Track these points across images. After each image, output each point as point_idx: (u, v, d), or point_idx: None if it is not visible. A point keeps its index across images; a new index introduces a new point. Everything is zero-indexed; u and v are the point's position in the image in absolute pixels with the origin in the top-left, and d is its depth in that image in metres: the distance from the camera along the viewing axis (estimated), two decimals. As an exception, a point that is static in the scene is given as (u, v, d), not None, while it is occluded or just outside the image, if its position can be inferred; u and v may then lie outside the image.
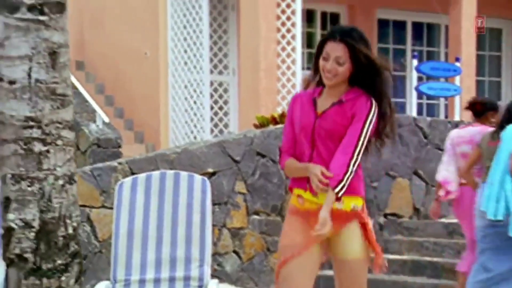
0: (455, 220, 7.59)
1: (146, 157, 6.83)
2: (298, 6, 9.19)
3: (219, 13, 10.48)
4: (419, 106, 10.34)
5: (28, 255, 2.22)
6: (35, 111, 2.20)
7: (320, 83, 3.46)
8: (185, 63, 9.57)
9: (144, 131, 10.00)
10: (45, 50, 2.19)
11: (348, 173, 3.34)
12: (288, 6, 9.18)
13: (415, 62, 9.01)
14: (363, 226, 3.41)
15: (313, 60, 3.45)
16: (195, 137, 9.35)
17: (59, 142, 2.23)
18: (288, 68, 9.23)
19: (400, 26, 11.74)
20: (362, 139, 3.33)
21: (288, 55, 9.17)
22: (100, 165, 6.56)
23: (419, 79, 9.53)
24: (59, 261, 2.23)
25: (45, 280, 2.22)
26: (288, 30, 9.13)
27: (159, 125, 9.81)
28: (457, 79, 9.24)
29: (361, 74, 3.38)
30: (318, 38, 11.34)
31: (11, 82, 2.17)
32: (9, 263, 2.26)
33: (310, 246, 3.41)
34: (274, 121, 8.01)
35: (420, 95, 9.33)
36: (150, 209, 4.59)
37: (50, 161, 2.23)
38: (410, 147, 7.88)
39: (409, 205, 7.88)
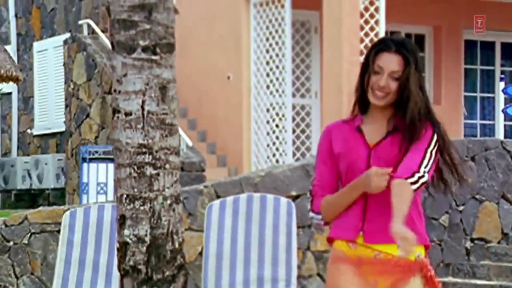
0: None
1: (231, 180, 7.18)
2: (381, 29, 9.39)
3: (302, 36, 10.81)
4: (507, 128, 10.42)
5: (141, 267, 2.58)
6: (147, 139, 2.57)
7: (360, 109, 3.02)
8: (267, 87, 9.89)
9: (226, 155, 10.36)
10: (156, 85, 2.56)
11: (422, 169, 2.88)
12: (372, 29, 9.40)
13: (502, 84, 9.15)
14: (428, 281, 2.92)
15: (358, 78, 3.03)
16: (277, 161, 9.63)
17: (167, 166, 2.60)
18: None
19: (488, 47, 11.83)
20: (428, 156, 2.91)
21: None
22: (186, 188, 6.95)
23: (506, 101, 9.65)
24: (167, 272, 2.58)
25: (155, 289, 2.61)
26: (371, 53, 9.42)
27: (242, 149, 10.15)
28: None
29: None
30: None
31: (127, 114, 2.56)
32: (124, 273, 2.64)
33: None
34: None
35: (507, 117, 9.44)
36: (238, 231, 4.95)
37: (160, 183, 2.59)
38: (497, 170, 8.00)
39: (497, 230, 7.98)
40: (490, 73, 11.82)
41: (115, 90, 2.59)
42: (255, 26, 10.07)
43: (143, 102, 2.55)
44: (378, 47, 2.95)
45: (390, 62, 2.90)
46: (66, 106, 11.67)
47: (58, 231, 6.64)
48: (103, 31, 11.44)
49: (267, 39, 9.93)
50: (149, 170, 2.57)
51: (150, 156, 2.57)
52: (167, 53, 2.58)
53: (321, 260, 7.34)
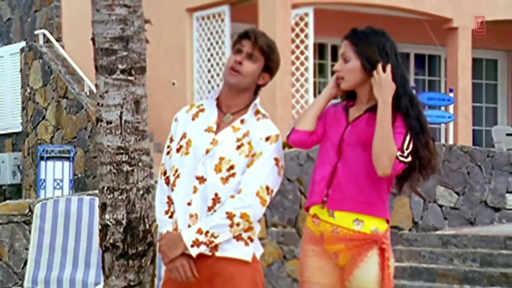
0: (448, 232, 8.35)
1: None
2: (310, 41, 9.79)
3: (240, 47, 11.26)
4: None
5: (119, 244, 3.04)
6: (124, 142, 3.03)
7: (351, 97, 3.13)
8: (209, 92, 10.11)
9: None
10: (131, 100, 3.02)
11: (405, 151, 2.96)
12: (302, 42, 9.80)
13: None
14: (382, 253, 2.99)
15: None
16: None
17: (140, 164, 3.07)
18: (302, 97, 9.76)
19: (404, 57, 12.53)
20: (407, 140, 2.98)
21: (302, 85, 9.69)
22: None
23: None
24: (140, 248, 3.05)
25: (130, 261, 3.08)
26: (302, 63, 9.69)
27: None
28: (451, 108, 10.03)
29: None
30: (329, 69, 12.14)
31: (108, 123, 3.02)
32: (105, 249, 3.12)
33: None
34: (289, 145, 8.70)
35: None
36: None
37: (134, 178, 3.06)
38: (410, 167, 8.62)
39: (408, 219, 8.40)
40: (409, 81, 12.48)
41: (98, 104, 3.06)
42: (198, 37, 10.35)
43: (121, 113, 3.03)
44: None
45: (342, 47, 3.09)
46: (23, 108, 11.93)
47: (24, 222, 7.02)
48: (57, 40, 11.74)
49: (209, 49, 10.20)
50: (126, 167, 3.05)
51: (127, 156, 3.05)
52: (140, 74, 3.08)
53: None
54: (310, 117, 3.09)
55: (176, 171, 3.00)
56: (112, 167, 3.05)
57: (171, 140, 3.10)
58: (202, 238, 2.87)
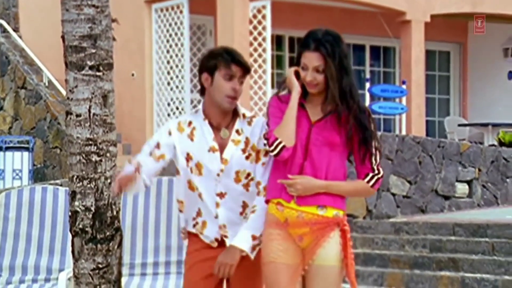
0: (400, 220, 8.71)
1: (139, 166, 7.79)
2: (268, 34, 9.99)
3: (198, 38, 11.29)
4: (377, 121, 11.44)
5: (88, 229, 3.26)
6: (93, 134, 3.25)
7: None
8: (168, 83, 10.29)
9: (131, 144, 10.72)
10: (99, 94, 3.24)
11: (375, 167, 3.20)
12: (260, 34, 9.98)
13: (368, 84, 10.13)
14: (344, 234, 3.19)
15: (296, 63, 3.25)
16: None
17: (108, 154, 3.29)
18: (260, 88, 9.96)
19: (360, 49, 12.82)
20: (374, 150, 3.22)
21: (260, 77, 9.88)
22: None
23: (372, 98, 10.60)
24: (108, 233, 3.28)
25: (98, 246, 3.31)
26: (260, 55, 9.88)
27: (145, 139, 10.61)
28: (404, 99, 10.39)
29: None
30: (286, 60, 12.40)
31: (78, 116, 3.24)
32: (75, 234, 3.36)
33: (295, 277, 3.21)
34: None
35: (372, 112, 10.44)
36: (149, 207, 5.48)
37: (102, 167, 3.27)
38: (364, 157, 8.93)
39: (363, 207, 8.71)
40: (361, 73, 12.82)
41: (68, 98, 3.30)
42: (157, 29, 10.46)
43: (90, 107, 3.27)
44: (301, 48, 3.23)
45: (312, 59, 3.15)
46: (-19, 99, 11.95)
47: (-13, 211, 7.14)
48: (14, 30, 11.78)
49: (168, 41, 10.31)
50: (94, 157, 3.30)
51: (95, 147, 3.29)
52: (107, 70, 3.33)
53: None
54: (293, 132, 3.20)
55: (197, 189, 3.33)
56: (81, 157, 3.28)
57: (158, 146, 3.34)
58: (256, 242, 3.29)
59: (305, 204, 3.19)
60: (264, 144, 3.22)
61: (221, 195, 3.31)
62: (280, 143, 3.17)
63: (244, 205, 3.34)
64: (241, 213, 3.34)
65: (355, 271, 3.24)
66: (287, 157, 3.19)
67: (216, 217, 3.32)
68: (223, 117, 3.32)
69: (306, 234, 3.20)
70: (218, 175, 3.31)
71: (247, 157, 3.31)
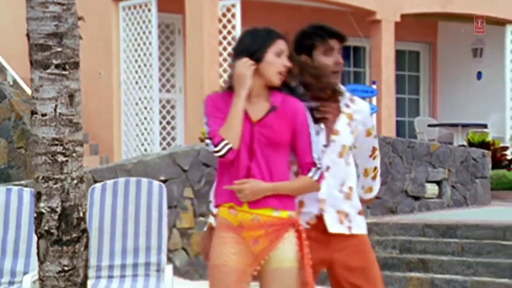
0: (370, 220, 8.75)
1: (106, 167, 7.74)
2: (238, 33, 9.93)
3: (167, 37, 11.33)
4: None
5: (53, 231, 3.22)
6: (59, 134, 3.22)
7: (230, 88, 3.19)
8: (136, 82, 10.26)
9: (98, 144, 10.72)
10: (66, 93, 3.21)
11: (317, 161, 3.22)
12: (229, 33, 10.01)
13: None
14: (299, 234, 3.20)
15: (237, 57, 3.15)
16: (145, 150, 10.05)
17: (74, 154, 3.26)
18: None
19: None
20: (312, 139, 3.23)
21: None
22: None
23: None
24: (74, 235, 3.24)
25: (64, 248, 3.28)
26: (230, 54, 10.06)
27: (113, 138, 10.53)
28: (374, 99, 10.47)
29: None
30: (256, 59, 12.39)
31: (43, 115, 3.21)
32: (40, 236, 3.32)
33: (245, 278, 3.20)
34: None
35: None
36: (117, 209, 5.46)
37: (68, 168, 3.24)
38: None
39: None
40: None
41: (33, 97, 3.26)
42: (124, 27, 10.43)
43: (56, 106, 3.24)
44: (273, 36, 3.16)
45: (283, 45, 3.17)
46: None
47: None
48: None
49: (136, 39, 10.30)
50: (60, 158, 3.26)
51: (61, 147, 3.25)
52: (74, 69, 3.29)
53: (185, 236, 7.86)
54: (239, 133, 3.17)
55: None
56: (47, 158, 3.25)
57: None
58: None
59: (257, 207, 3.18)
60: (207, 145, 3.21)
61: (326, 168, 3.31)
62: (226, 144, 3.15)
63: (342, 182, 3.39)
64: (340, 191, 3.38)
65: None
66: (232, 159, 3.16)
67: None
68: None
69: (261, 236, 3.19)
70: (325, 146, 3.36)
71: (352, 133, 3.42)
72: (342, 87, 3.46)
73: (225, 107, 3.19)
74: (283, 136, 3.19)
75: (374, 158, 3.65)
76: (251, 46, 3.17)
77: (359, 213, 3.45)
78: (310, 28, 3.38)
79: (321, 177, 3.24)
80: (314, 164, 3.23)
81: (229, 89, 3.23)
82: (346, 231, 3.38)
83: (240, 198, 3.17)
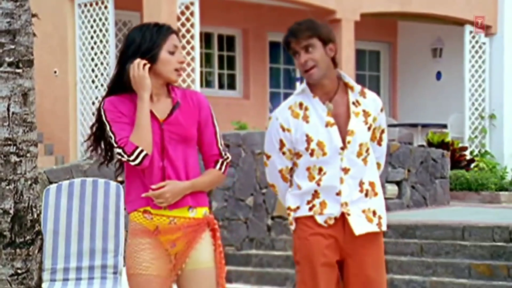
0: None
1: (62, 167, 7.68)
2: (196, 31, 9.98)
3: (124, 35, 11.36)
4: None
5: (6, 233, 3.18)
6: (12, 134, 3.18)
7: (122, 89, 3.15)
8: (93, 81, 10.19)
9: (53, 144, 10.61)
10: (19, 92, 3.17)
11: (223, 152, 3.26)
12: (188, 31, 9.96)
13: (298, 84, 10.23)
14: (214, 233, 3.24)
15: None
16: None
17: (28, 155, 3.22)
18: (188, 86, 9.80)
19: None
20: (218, 132, 3.30)
21: (188, 75, 9.87)
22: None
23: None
24: (28, 237, 3.21)
25: (17, 250, 3.24)
26: (188, 53, 9.85)
27: (68, 138, 10.49)
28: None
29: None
30: (215, 58, 12.42)
31: (-5, 114, 3.21)
32: (-9, 239, 3.29)
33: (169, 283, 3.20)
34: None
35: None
36: (72, 211, 5.41)
37: (22, 168, 3.21)
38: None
39: None
40: (291, 72, 12.94)
41: (-15, 96, 3.22)
42: (80, 25, 10.35)
43: (9, 105, 3.20)
44: (163, 33, 3.15)
45: (178, 40, 3.20)
46: None
47: None
48: None
49: (92, 37, 10.23)
50: (14, 158, 3.22)
51: (15, 147, 3.22)
52: (28, 67, 3.26)
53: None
54: (151, 137, 3.14)
55: (321, 169, 3.37)
56: (-1, 159, 3.21)
57: (282, 143, 3.42)
58: None
59: (175, 207, 3.18)
60: (118, 154, 3.13)
61: (345, 170, 3.36)
62: (141, 151, 3.11)
63: (361, 181, 3.40)
64: (360, 191, 3.39)
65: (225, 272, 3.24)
66: (147, 165, 3.13)
67: (339, 193, 3.37)
68: (325, 87, 3.35)
69: (179, 238, 3.19)
70: (342, 148, 3.37)
71: (368, 128, 3.40)
72: (352, 82, 3.44)
73: (127, 111, 3.15)
74: (192, 130, 3.20)
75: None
76: (142, 46, 3.14)
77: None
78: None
79: (226, 168, 3.28)
80: (221, 155, 3.27)
81: (114, 91, 3.20)
82: (376, 229, 3.42)
83: (159, 204, 3.14)
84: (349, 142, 3.36)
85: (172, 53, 3.16)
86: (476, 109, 12.52)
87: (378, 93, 14.13)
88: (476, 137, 12.50)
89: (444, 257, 7.42)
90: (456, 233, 7.64)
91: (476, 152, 12.38)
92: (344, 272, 3.48)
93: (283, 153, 3.44)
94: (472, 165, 11.66)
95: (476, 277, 7.05)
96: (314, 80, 3.34)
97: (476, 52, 12.48)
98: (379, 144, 3.53)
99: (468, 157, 11.82)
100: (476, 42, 12.49)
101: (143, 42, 3.15)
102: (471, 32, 12.40)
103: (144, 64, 3.12)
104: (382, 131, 3.51)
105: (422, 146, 11.41)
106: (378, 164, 3.57)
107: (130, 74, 3.11)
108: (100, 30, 10.19)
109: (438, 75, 13.68)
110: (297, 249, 3.45)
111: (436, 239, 7.67)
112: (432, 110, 13.37)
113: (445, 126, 12.67)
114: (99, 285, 5.15)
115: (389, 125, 13.18)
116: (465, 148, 11.92)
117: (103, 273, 5.21)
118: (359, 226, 3.38)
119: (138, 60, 3.12)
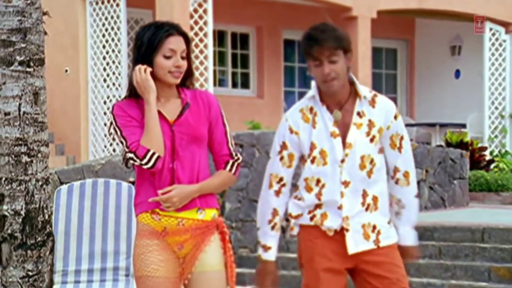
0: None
1: (73, 167, 7.70)
2: (210, 29, 9.98)
3: (136, 33, 11.35)
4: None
5: (17, 234, 3.22)
6: (23, 133, 3.23)
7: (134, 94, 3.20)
8: (104, 80, 10.22)
9: (65, 144, 10.63)
10: (30, 91, 3.21)
11: (233, 152, 3.28)
12: (201, 29, 9.96)
13: (313, 82, 10.22)
14: (223, 236, 3.25)
15: (141, 58, 3.16)
16: (114, 150, 10.00)
17: (39, 155, 3.25)
18: (201, 86, 9.85)
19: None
20: (228, 131, 3.32)
21: (201, 74, 9.85)
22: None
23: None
24: (39, 238, 3.24)
25: (29, 252, 3.27)
26: (201, 51, 9.86)
27: (80, 138, 10.48)
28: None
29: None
30: (229, 57, 12.41)
31: (6, 114, 3.19)
32: (3, 240, 3.30)
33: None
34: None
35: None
36: (84, 212, 5.40)
37: (33, 168, 3.24)
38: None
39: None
40: (306, 70, 12.91)
41: (-4, 95, 3.24)
42: (92, 23, 10.37)
43: (20, 104, 3.22)
44: (159, 37, 3.15)
45: (179, 43, 3.17)
46: None
47: None
48: None
49: (104, 36, 10.23)
50: (25, 158, 3.25)
51: (25, 147, 3.24)
52: (39, 66, 3.28)
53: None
54: (162, 140, 3.17)
55: (319, 181, 3.31)
56: (10, 158, 3.23)
57: (285, 146, 3.35)
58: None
59: (183, 209, 3.20)
60: (130, 158, 3.15)
61: (345, 183, 3.30)
62: (153, 154, 3.14)
63: (364, 194, 3.33)
64: (362, 204, 3.32)
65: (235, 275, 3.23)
66: (160, 167, 3.16)
67: (340, 208, 3.31)
68: (338, 100, 3.29)
69: (187, 240, 3.22)
70: (342, 161, 3.31)
71: (371, 140, 3.31)
72: (362, 90, 3.36)
73: (137, 115, 3.19)
74: (203, 130, 3.23)
75: (397, 183, 3.42)
76: (140, 50, 3.21)
77: (389, 222, 3.39)
78: (304, 36, 3.40)
79: (237, 169, 3.28)
80: (231, 156, 3.28)
81: (130, 96, 3.25)
82: (372, 246, 3.34)
83: (167, 208, 3.16)
84: (347, 155, 3.31)
85: (168, 57, 3.17)
86: (496, 108, 12.46)
87: (395, 92, 14.12)
88: (496, 136, 12.44)
89: (463, 259, 7.39)
90: (476, 235, 7.61)
91: (496, 152, 12.32)
92: (357, 277, 3.44)
93: (281, 158, 3.38)
94: (492, 166, 11.61)
95: (496, 280, 7.02)
96: (333, 91, 3.32)
97: (496, 49, 12.42)
98: (400, 151, 3.40)
99: (487, 158, 11.77)
100: (496, 39, 12.43)
101: (141, 48, 3.21)
102: (491, 29, 12.34)
103: (145, 69, 3.17)
104: (401, 138, 3.39)
105: (440, 146, 11.37)
106: (407, 173, 3.42)
107: (134, 81, 3.17)
108: (112, 28, 10.21)
109: (457, 73, 13.62)
110: (302, 252, 3.43)
111: (454, 241, 7.64)
112: (451, 109, 13.32)
113: (464, 125, 12.62)
114: (111, 287, 5.16)
115: (406, 125, 13.06)
116: (485, 148, 11.87)
117: (115, 275, 5.19)
118: (354, 245, 3.33)
119: (139, 66, 3.18)
